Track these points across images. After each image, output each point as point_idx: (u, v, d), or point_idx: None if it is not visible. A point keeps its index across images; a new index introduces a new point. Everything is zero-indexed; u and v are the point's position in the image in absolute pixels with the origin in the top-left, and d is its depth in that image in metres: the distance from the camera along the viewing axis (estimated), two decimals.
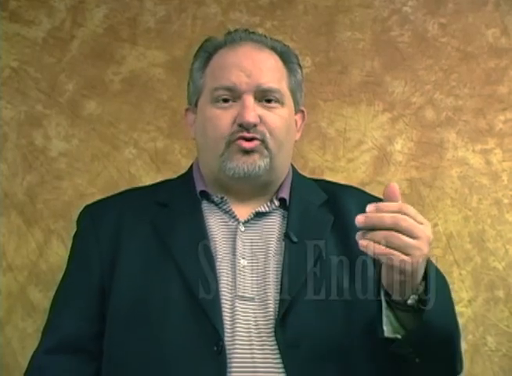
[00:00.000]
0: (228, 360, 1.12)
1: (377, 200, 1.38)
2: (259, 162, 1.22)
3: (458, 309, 1.98)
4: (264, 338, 1.15)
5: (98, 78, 2.09)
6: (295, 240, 1.23)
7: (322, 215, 1.27)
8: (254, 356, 1.13)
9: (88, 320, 1.22)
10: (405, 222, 0.99)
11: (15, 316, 2.02)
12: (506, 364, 2.00)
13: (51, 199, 2.07)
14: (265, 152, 1.23)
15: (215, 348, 1.13)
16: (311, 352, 1.13)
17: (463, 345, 1.28)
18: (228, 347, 1.13)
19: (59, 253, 2.01)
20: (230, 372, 1.12)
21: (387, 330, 1.08)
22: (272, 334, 1.15)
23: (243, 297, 1.18)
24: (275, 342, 1.15)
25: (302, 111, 1.34)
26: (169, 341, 1.14)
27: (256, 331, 1.15)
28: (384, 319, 1.08)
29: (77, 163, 2.06)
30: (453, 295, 2.00)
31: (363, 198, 1.33)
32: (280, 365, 1.13)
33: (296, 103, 1.31)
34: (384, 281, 1.07)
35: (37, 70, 2.08)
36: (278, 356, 1.14)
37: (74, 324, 1.22)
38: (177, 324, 1.15)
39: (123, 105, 2.08)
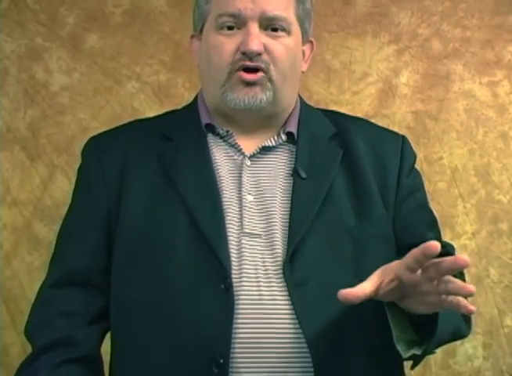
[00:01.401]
0: (236, 298, 1.08)
1: (385, 132, 1.34)
2: (260, 95, 1.18)
3: (462, 241, 1.97)
4: (271, 276, 1.11)
5: (98, 11, 2.02)
6: (304, 176, 1.17)
7: (332, 150, 1.22)
8: (262, 293, 1.10)
9: (95, 254, 1.19)
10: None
11: (21, 250, 2.01)
12: (508, 295, 1.99)
13: (54, 133, 2.03)
14: (268, 85, 1.18)
15: (222, 286, 1.09)
16: (320, 291, 1.09)
17: (466, 277, 1.27)
18: (235, 284, 1.09)
19: (63, 188, 1.99)
20: (237, 309, 1.08)
21: (401, 346, 1.07)
22: (280, 272, 1.11)
23: (249, 233, 1.14)
24: (282, 280, 1.11)
25: (311, 42, 1.29)
26: (175, 277, 1.10)
27: (263, 269, 1.11)
28: (394, 335, 1.07)
29: (80, 97, 2.01)
30: (457, 228, 2.01)
31: (371, 131, 1.28)
32: (288, 303, 1.10)
33: (304, 32, 1.25)
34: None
35: (35, 1, 2.01)
36: (286, 294, 1.10)
37: (81, 258, 1.18)
38: (183, 260, 1.12)
39: (124, 38, 2.02)
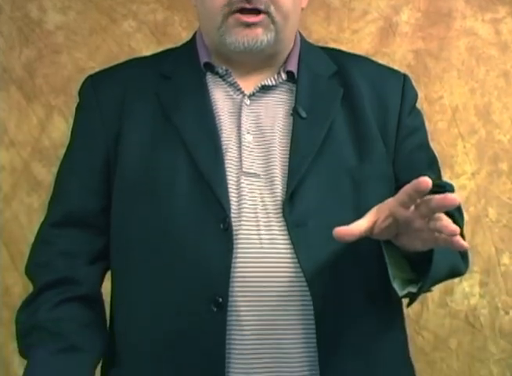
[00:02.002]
0: (235, 237, 1.08)
1: (386, 70, 1.30)
2: (262, 37, 1.15)
3: (461, 181, 1.96)
4: (271, 216, 1.11)
5: None
6: (304, 115, 1.15)
7: (332, 88, 1.20)
8: (261, 233, 1.09)
9: (94, 194, 1.17)
10: None
11: (20, 192, 2.01)
12: (506, 234, 2.00)
13: (50, 74, 2.00)
14: (271, 26, 1.14)
15: (222, 226, 1.08)
16: (320, 231, 1.09)
17: (465, 217, 1.27)
18: (234, 224, 1.09)
19: (61, 129, 1.97)
20: (236, 249, 1.08)
21: (397, 284, 1.07)
22: (280, 212, 1.10)
23: (248, 173, 1.14)
24: (282, 220, 1.10)
25: None
26: (175, 217, 1.10)
27: (262, 209, 1.10)
28: (390, 272, 1.06)
29: (76, 36, 1.98)
30: (457, 168, 2.00)
31: (372, 69, 1.25)
32: (288, 242, 1.10)
33: None
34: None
35: None
36: (285, 233, 1.10)
37: (80, 198, 1.18)
38: (183, 200, 1.11)
39: None
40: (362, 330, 1.13)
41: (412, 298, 1.11)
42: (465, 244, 0.95)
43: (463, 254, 1.19)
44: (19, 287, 1.86)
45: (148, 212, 1.13)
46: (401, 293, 1.09)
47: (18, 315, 1.17)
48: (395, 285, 1.08)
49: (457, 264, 1.17)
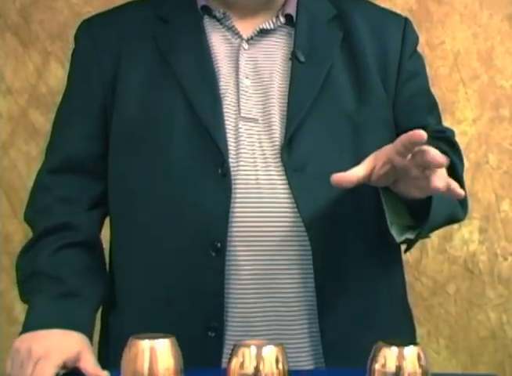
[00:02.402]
0: (233, 182, 1.08)
1: (387, 14, 1.26)
2: None
3: (462, 127, 1.95)
4: (269, 161, 1.10)
5: None
6: (302, 59, 1.13)
7: (331, 32, 1.17)
8: (259, 178, 1.09)
9: (92, 139, 1.16)
10: None
11: (18, 140, 1.99)
12: (506, 181, 1.99)
13: (46, 19, 1.97)
14: None
15: (220, 171, 1.08)
16: (319, 176, 1.08)
17: (466, 164, 1.26)
18: (232, 169, 1.09)
19: (58, 75, 1.95)
20: (235, 194, 1.08)
21: (395, 230, 1.08)
22: (278, 156, 1.10)
23: (246, 118, 1.12)
24: (280, 165, 1.10)
25: None
26: (173, 161, 1.10)
27: (261, 154, 1.10)
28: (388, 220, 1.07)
29: None
30: (458, 114, 1.98)
31: (372, 12, 1.22)
32: (286, 187, 1.09)
33: None
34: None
35: None
36: (284, 178, 1.10)
37: (78, 144, 1.17)
38: (181, 145, 1.10)
39: None
40: (361, 274, 1.13)
41: (410, 244, 1.12)
42: (462, 191, 0.95)
43: (462, 201, 1.19)
44: (20, 235, 1.86)
45: (146, 158, 1.13)
46: (399, 239, 1.10)
47: (18, 261, 1.18)
48: (393, 231, 1.09)
49: (455, 210, 1.17)
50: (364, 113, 1.15)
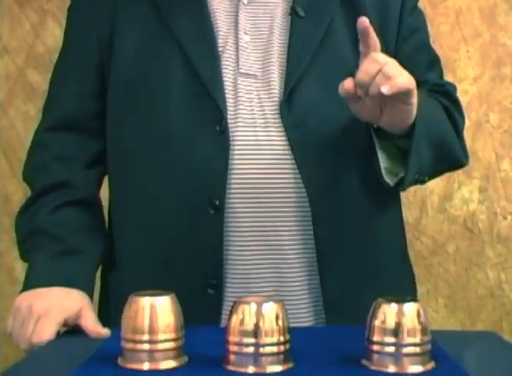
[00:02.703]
0: (231, 139, 1.07)
1: None
2: None
3: (463, 86, 1.93)
4: (268, 117, 1.10)
5: None
6: (302, 14, 1.11)
7: None
8: (258, 135, 1.08)
9: (89, 97, 1.16)
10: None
11: (16, 100, 1.98)
12: (507, 140, 1.98)
13: None
14: None
15: (218, 128, 1.07)
16: (318, 132, 1.08)
17: (466, 123, 1.25)
18: (230, 125, 1.07)
19: (55, 34, 1.92)
20: (233, 151, 1.07)
21: (387, 174, 1.09)
22: (277, 112, 1.09)
23: (245, 74, 1.11)
24: (279, 121, 1.08)
25: None
26: (171, 119, 1.09)
27: (259, 110, 1.09)
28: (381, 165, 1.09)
29: None
30: (459, 73, 1.96)
31: None
32: (285, 143, 1.09)
33: None
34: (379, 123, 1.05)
35: None
36: (283, 134, 1.09)
37: (75, 101, 1.16)
38: (179, 102, 1.08)
39: None
40: (360, 228, 1.13)
41: (404, 181, 1.10)
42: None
43: (464, 149, 1.18)
44: (19, 195, 1.86)
45: (143, 116, 1.12)
46: (392, 181, 1.10)
47: (17, 219, 1.18)
48: (386, 177, 1.08)
49: (453, 150, 1.16)
50: None
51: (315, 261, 1.10)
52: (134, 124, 1.13)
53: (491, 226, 1.96)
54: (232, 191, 1.08)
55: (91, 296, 1.10)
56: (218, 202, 1.07)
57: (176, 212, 1.10)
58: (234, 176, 1.08)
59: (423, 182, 1.14)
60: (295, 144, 1.08)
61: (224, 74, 1.10)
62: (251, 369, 0.82)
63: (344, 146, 1.11)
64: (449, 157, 1.16)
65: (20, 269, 1.84)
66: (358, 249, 1.13)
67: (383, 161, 1.09)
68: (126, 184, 1.15)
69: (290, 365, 0.84)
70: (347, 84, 0.99)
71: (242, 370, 0.83)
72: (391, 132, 1.07)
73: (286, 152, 1.09)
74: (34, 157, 1.20)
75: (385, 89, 0.96)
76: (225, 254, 1.08)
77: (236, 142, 1.08)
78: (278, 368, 0.83)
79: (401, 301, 0.84)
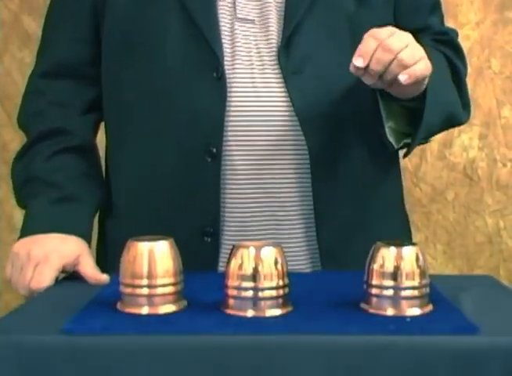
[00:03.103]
0: (228, 86, 1.05)
1: None
2: None
3: (464, 31, 1.90)
4: (266, 63, 1.08)
5: None
6: None
7: None
8: (255, 81, 1.06)
9: (83, 44, 1.13)
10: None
11: (11, 47, 1.95)
12: (508, 86, 1.96)
13: None
14: None
15: (215, 74, 1.05)
16: (316, 79, 1.07)
17: (468, 69, 1.24)
18: (227, 72, 1.06)
19: None
20: (230, 97, 1.05)
21: (393, 137, 1.08)
22: (275, 59, 1.07)
23: (243, 19, 1.09)
24: (277, 68, 1.07)
25: None
26: (167, 67, 1.07)
27: (257, 56, 1.07)
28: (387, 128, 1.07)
29: None
30: (460, 18, 1.93)
31: None
32: (283, 90, 1.07)
33: None
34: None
35: None
36: (281, 81, 1.07)
37: (69, 48, 1.14)
38: (175, 49, 1.06)
39: None
40: (358, 177, 1.13)
41: (409, 148, 1.10)
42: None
43: (465, 103, 1.17)
44: (16, 143, 1.83)
45: (140, 63, 1.10)
46: (396, 145, 1.09)
47: (13, 166, 1.17)
48: (390, 137, 1.07)
49: (456, 111, 1.15)
50: (363, 15, 1.11)
51: (313, 208, 1.09)
52: (129, 72, 1.11)
53: (490, 173, 1.95)
54: (229, 138, 1.07)
55: (89, 243, 1.10)
56: (214, 150, 1.06)
57: (173, 160, 1.09)
58: (231, 124, 1.06)
59: (424, 143, 1.13)
60: (293, 91, 1.07)
61: (221, 20, 1.08)
62: (250, 313, 0.83)
63: (342, 96, 1.09)
64: (453, 118, 1.15)
65: (19, 217, 1.83)
66: (355, 199, 1.12)
67: (386, 121, 1.07)
68: (122, 132, 1.14)
69: (289, 309, 0.85)
70: (358, 64, 0.96)
71: (241, 313, 0.83)
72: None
73: (284, 99, 1.07)
74: (29, 104, 1.18)
75: (403, 78, 0.94)
76: (222, 202, 1.08)
77: (233, 89, 1.06)
78: (277, 312, 0.83)
79: (399, 244, 0.84)
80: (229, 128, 1.06)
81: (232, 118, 1.06)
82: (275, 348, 0.75)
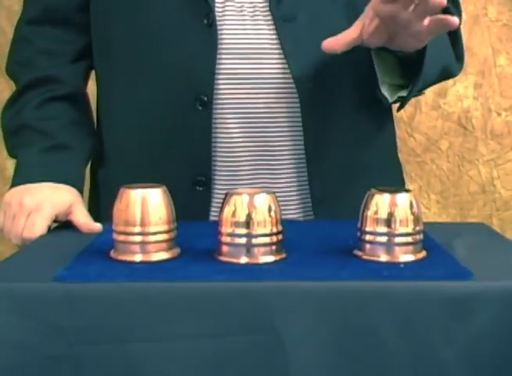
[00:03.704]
0: (219, 33, 1.03)
1: None
2: None
3: None
4: (257, 10, 1.04)
5: None
6: None
7: None
8: (247, 28, 1.04)
9: None
10: None
11: None
12: (504, 34, 1.93)
13: None
14: None
15: (205, 21, 1.03)
16: (309, 27, 1.05)
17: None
18: (218, 19, 1.04)
19: None
20: (221, 44, 1.03)
21: (387, 90, 1.06)
22: (267, 6, 1.05)
23: None
24: (269, 14, 1.04)
25: None
26: (156, 12, 1.05)
27: (248, 3, 1.05)
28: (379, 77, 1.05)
29: None
30: None
31: None
32: (275, 38, 1.04)
33: None
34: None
35: None
36: (272, 28, 1.04)
37: None
38: None
39: None
40: (350, 128, 1.11)
41: (403, 102, 1.09)
42: (454, 19, 0.90)
43: (458, 54, 1.15)
44: (7, 93, 1.81)
45: (128, 9, 1.07)
46: (391, 98, 1.07)
47: (3, 114, 1.15)
48: (384, 91, 1.06)
49: (450, 64, 1.14)
50: None
51: (305, 158, 1.08)
52: (117, 16, 1.09)
53: (485, 123, 1.94)
54: (221, 86, 1.05)
55: (81, 192, 1.09)
56: (206, 98, 1.05)
57: (163, 108, 1.07)
58: (222, 72, 1.05)
59: (417, 95, 1.12)
60: (284, 39, 1.05)
61: None
62: (244, 259, 0.83)
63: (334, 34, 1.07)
64: (447, 70, 1.14)
65: (12, 168, 1.82)
66: (347, 149, 1.11)
67: (380, 74, 1.05)
68: (112, 79, 1.12)
69: (283, 255, 0.85)
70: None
71: (234, 260, 0.83)
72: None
73: (276, 47, 1.05)
74: (18, 52, 1.16)
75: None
76: (214, 151, 1.06)
77: (223, 35, 1.04)
78: (270, 258, 0.83)
79: (394, 191, 0.84)
80: (220, 76, 1.05)
81: (223, 66, 1.04)
82: (269, 294, 0.75)
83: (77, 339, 0.74)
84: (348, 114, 1.11)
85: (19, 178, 1.07)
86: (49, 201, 1.02)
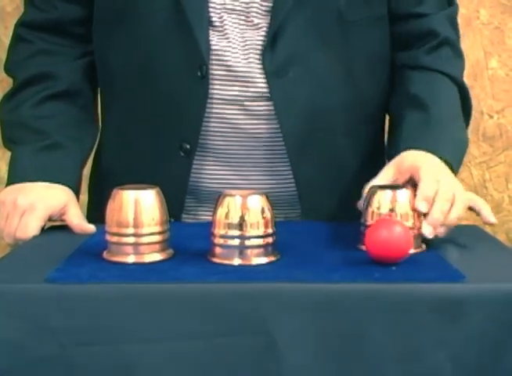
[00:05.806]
0: (210, 83, 1.03)
1: None
2: None
3: None
4: (251, 63, 1.04)
5: None
6: None
7: None
8: (238, 80, 1.04)
9: (74, 2, 1.11)
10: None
11: None
12: (496, 37, 1.93)
13: None
14: None
15: (199, 73, 1.04)
16: (300, 81, 1.05)
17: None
18: (211, 72, 1.03)
19: None
20: (212, 95, 1.04)
21: None
22: (260, 58, 1.04)
23: (231, 9, 1.03)
24: (261, 68, 1.04)
25: None
26: (152, 51, 1.06)
27: (244, 56, 1.04)
28: None
29: None
30: None
31: None
32: (266, 92, 1.04)
33: None
34: None
35: None
36: (264, 82, 1.04)
37: (61, 7, 1.11)
38: (161, 33, 1.04)
39: None
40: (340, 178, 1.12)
41: None
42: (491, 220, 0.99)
43: (466, 106, 1.15)
44: (5, 84, 1.81)
45: (127, 42, 1.08)
46: None
47: (0, 107, 1.14)
48: None
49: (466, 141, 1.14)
50: (355, 9, 1.06)
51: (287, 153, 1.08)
52: (117, 48, 1.10)
53: (477, 125, 1.94)
54: (208, 137, 1.06)
55: (77, 191, 1.09)
56: (188, 146, 1.06)
57: (151, 149, 1.09)
58: (211, 123, 1.05)
59: None
60: (276, 95, 1.04)
61: (211, 11, 1.05)
62: (237, 261, 0.83)
63: (326, 101, 1.08)
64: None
65: (5, 169, 1.82)
66: (326, 151, 1.11)
67: None
68: (111, 105, 1.15)
69: (276, 257, 0.85)
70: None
71: (227, 262, 0.83)
72: None
73: (266, 102, 1.05)
74: (17, 51, 1.15)
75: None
76: (206, 121, 1.06)
77: (215, 88, 1.05)
78: (263, 260, 0.83)
79: (395, 188, 0.88)
80: (210, 128, 1.06)
81: (212, 119, 1.06)
82: (261, 296, 0.75)
83: (69, 340, 0.74)
84: (339, 164, 1.12)
85: (13, 178, 1.06)
86: (43, 201, 1.01)
